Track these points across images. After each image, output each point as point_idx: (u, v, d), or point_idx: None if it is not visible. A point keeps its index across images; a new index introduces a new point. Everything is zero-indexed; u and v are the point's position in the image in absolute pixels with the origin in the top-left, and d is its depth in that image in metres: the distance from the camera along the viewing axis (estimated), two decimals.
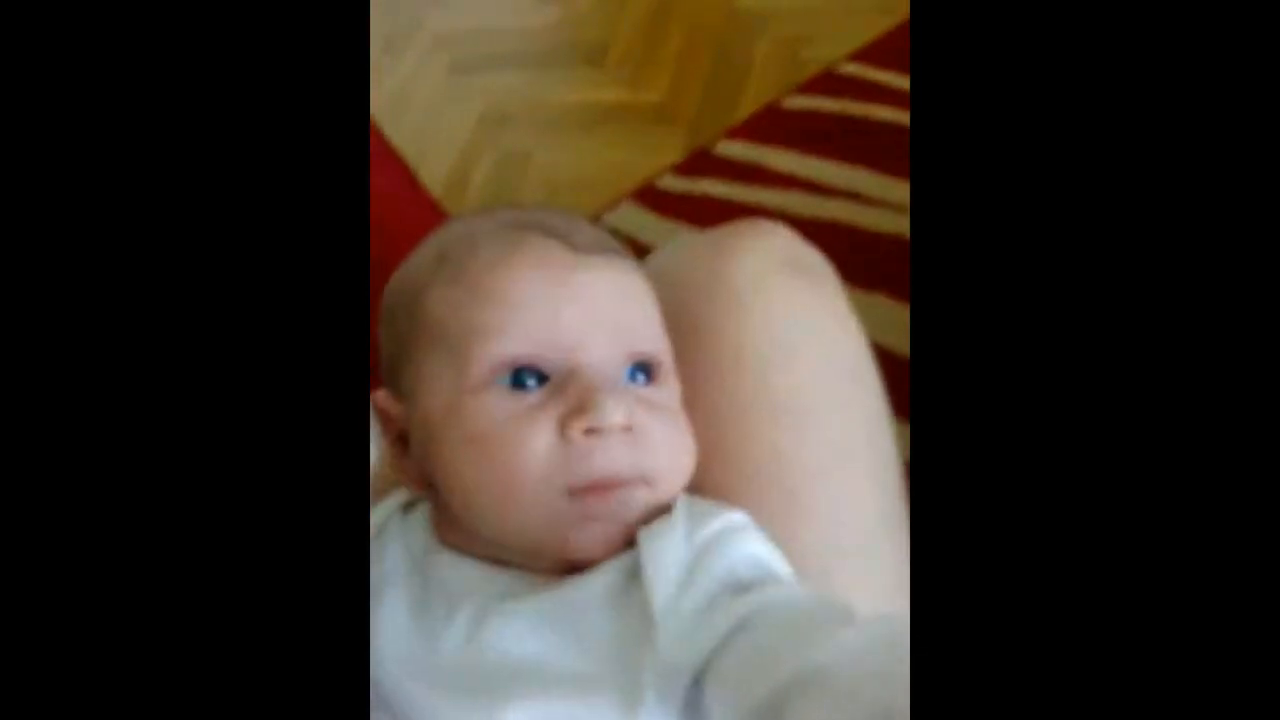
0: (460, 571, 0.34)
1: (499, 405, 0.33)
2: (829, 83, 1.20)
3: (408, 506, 0.38)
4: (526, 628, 0.31)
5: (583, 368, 0.33)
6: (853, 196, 1.03)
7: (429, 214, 1.19)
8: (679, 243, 0.44)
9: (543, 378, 0.33)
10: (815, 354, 0.40)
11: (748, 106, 1.22)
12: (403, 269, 0.39)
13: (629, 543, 0.33)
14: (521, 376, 0.33)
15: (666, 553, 0.31)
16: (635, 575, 0.31)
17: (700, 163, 1.16)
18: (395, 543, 0.37)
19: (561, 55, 1.45)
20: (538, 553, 0.33)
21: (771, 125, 1.17)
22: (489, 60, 1.47)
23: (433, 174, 1.28)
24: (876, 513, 0.39)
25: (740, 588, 0.31)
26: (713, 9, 1.40)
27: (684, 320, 0.38)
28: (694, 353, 0.38)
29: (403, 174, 1.27)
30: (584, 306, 0.34)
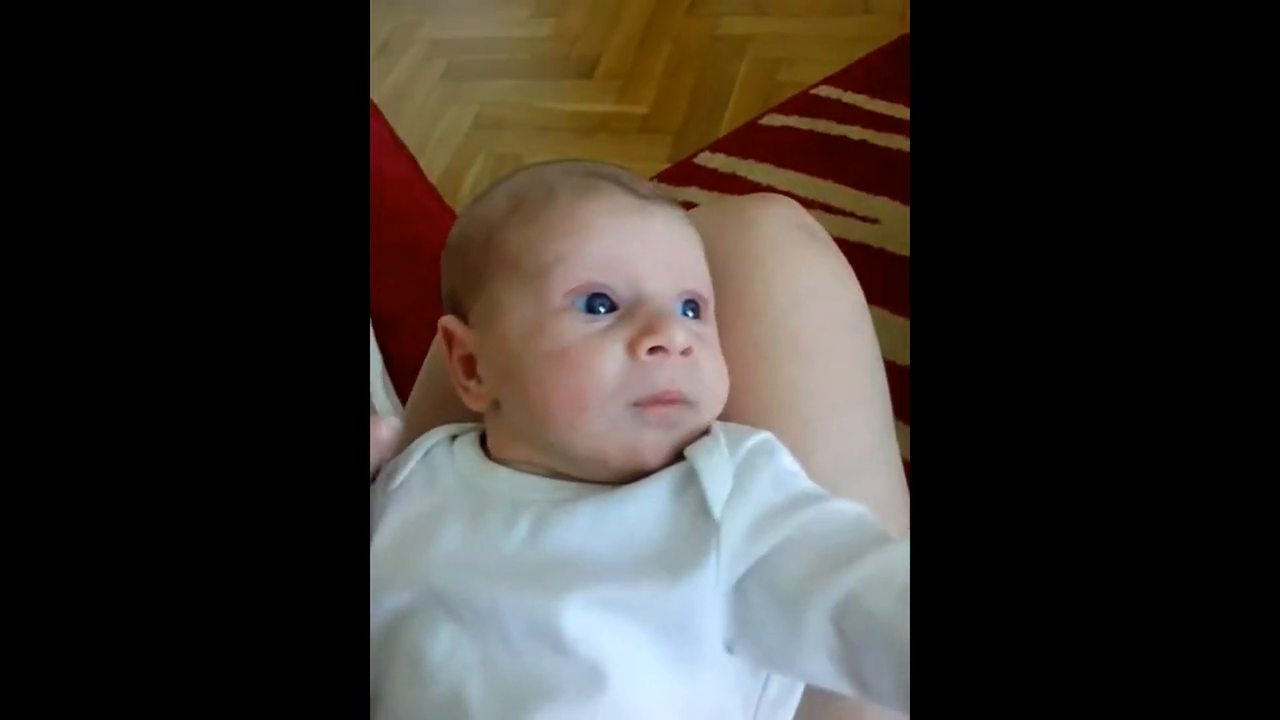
0: (520, 483, 0.38)
1: (575, 327, 0.37)
2: (804, 104, 1.28)
3: (454, 439, 0.42)
4: (587, 524, 0.35)
5: (647, 297, 0.37)
6: (823, 207, 1.11)
7: (434, 200, 1.25)
8: (704, 208, 0.49)
9: (612, 306, 0.38)
10: (824, 304, 0.46)
11: (729, 123, 1.30)
12: (471, 211, 0.43)
13: (675, 458, 0.37)
14: (594, 303, 0.37)
15: (716, 462, 0.36)
16: (688, 482, 0.35)
17: (684, 172, 1.23)
18: (445, 469, 0.40)
19: (554, 67, 1.51)
20: (600, 459, 0.37)
21: (750, 140, 1.25)
22: (484, 68, 1.53)
23: (429, 171, 1.33)
24: (875, 438, 0.45)
25: (791, 499, 0.35)
26: (698, 31, 1.48)
27: (713, 272, 0.43)
28: (723, 303, 0.43)
29: (411, 163, 1.32)
30: (647, 244, 0.39)
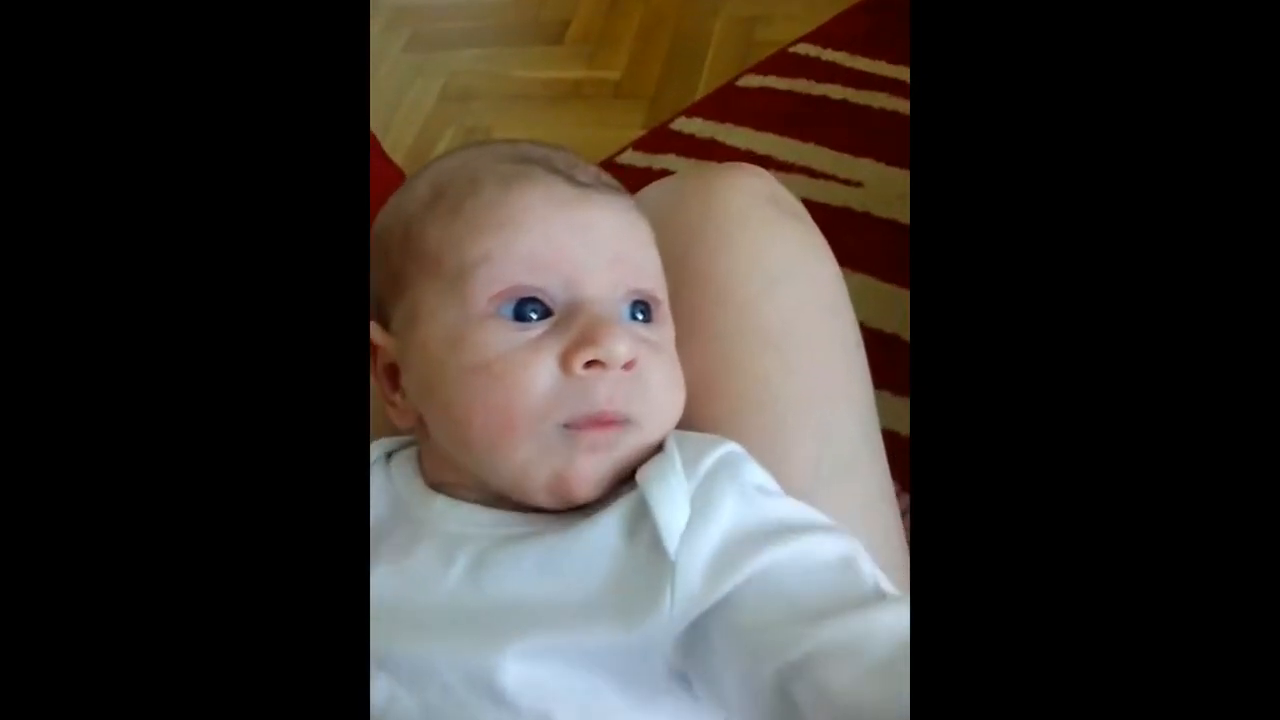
0: (457, 514, 0.34)
1: (501, 337, 0.32)
2: (782, 63, 1.24)
3: (390, 456, 0.38)
4: (532, 566, 0.31)
5: (586, 301, 0.33)
6: (805, 171, 1.07)
7: (398, 176, 1.21)
8: (664, 182, 0.45)
9: (545, 312, 0.33)
10: (798, 287, 0.41)
11: (705, 85, 1.26)
12: (392, 204, 0.38)
13: (620, 481, 0.33)
14: (524, 308, 0.33)
15: (671, 488, 0.31)
16: (641, 514, 0.31)
17: (660, 139, 1.19)
18: (381, 492, 0.36)
19: (522, 33, 1.45)
20: (529, 487, 0.33)
21: (727, 103, 1.21)
22: (450, 37, 1.47)
23: (395, 148, 1.29)
24: (857, 435, 0.40)
25: (760, 528, 0.31)
26: None
27: (673, 254, 0.38)
28: (683, 285, 0.39)
29: (374, 144, 1.28)
30: (586, 239, 0.34)
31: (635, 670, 0.30)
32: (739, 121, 1.17)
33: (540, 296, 0.33)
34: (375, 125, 1.32)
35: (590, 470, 0.33)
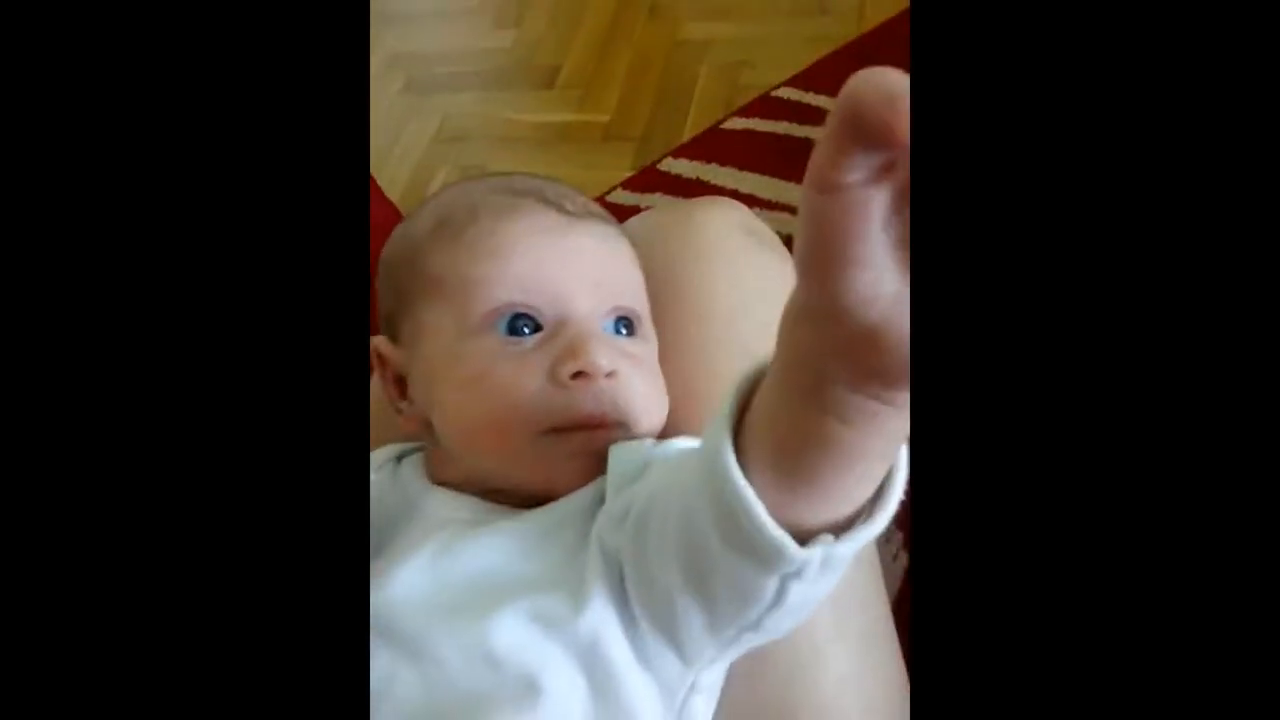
0: (448, 505, 0.38)
1: (495, 349, 0.36)
2: (766, 106, 1.28)
3: (400, 458, 0.42)
4: (497, 546, 0.35)
5: (572, 318, 0.37)
6: (787, 209, 1.11)
7: (393, 213, 1.24)
8: (647, 214, 0.49)
9: (535, 328, 0.37)
10: (772, 304, 0.43)
11: (691, 127, 1.30)
12: (401, 231, 0.42)
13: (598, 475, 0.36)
14: (517, 324, 0.36)
15: (623, 461, 0.35)
16: (602, 497, 0.35)
17: (648, 179, 1.23)
18: (390, 491, 0.39)
19: (515, 77, 1.50)
20: (521, 485, 0.36)
21: (713, 145, 1.25)
22: (444, 81, 1.52)
23: (391, 185, 1.32)
24: None
25: (650, 460, 0.34)
26: (658, 37, 1.48)
27: (658, 278, 0.42)
28: (668, 306, 0.42)
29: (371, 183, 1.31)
30: (573, 262, 0.38)
31: (595, 651, 0.32)
32: (724, 162, 1.21)
33: (531, 313, 0.37)
34: (372, 163, 1.37)
35: (574, 471, 0.36)
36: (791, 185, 1.15)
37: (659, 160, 1.25)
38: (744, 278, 0.45)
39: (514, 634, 0.32)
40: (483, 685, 0.32)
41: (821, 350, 0.21)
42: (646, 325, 0.41)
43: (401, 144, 1.40)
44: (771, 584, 0.25)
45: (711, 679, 0.34)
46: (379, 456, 0.41)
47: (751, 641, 0.31)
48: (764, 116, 1.26)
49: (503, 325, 0.37)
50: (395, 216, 1.25)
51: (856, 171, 0.18)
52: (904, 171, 0.18)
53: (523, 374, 0.36)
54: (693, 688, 0.33)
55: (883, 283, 0.19)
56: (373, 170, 1.35)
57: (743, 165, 1.19)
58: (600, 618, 0.32)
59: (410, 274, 0.40)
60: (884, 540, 0.89)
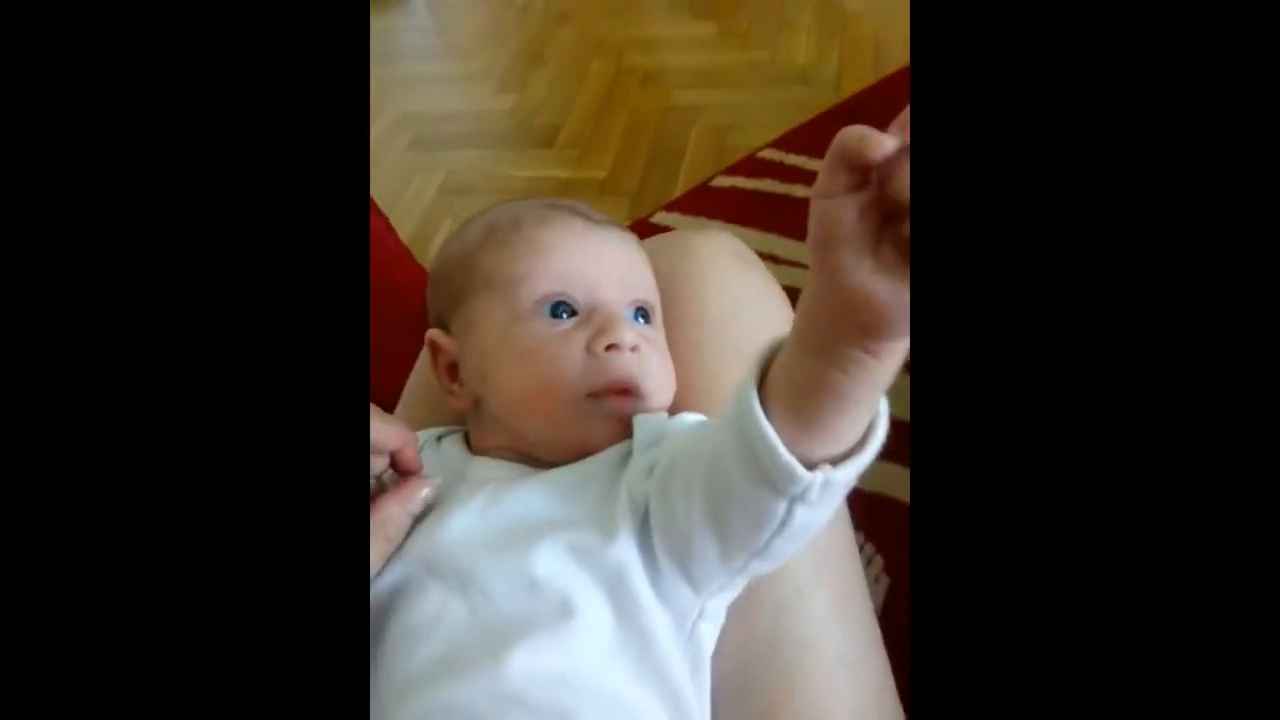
0: (491, 467, 0.44)
1: (542, 330, 0.43)
2: (751, 166, 1.38)
3: (440, 439, 0.48)
4: (536, 494, 0.41)
5: (602, 305, 0.44)
6: (770, 258, 1.18)
7: (406, 251, 1.31)
8: (651, 240, 0.56)
9: (572, 313, 0.44)
10: (759, 313, 0.52)
11: (682, 184, 1.39)
12: (450, 246, 0.50)
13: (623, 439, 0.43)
14: (558, 309, 0.43)
15: (646, 428, 0.41)
16: (628, 451, 0.41)
17: (641, 231, 1.25)
18: (434, 461, 0.45)
19: (517, 137, 1.60)
20: (562, 443, 0.42)
21: (702, 200, 1.34)
22: (450, 139, 1.61)
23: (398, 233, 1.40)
24: None
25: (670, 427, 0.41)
26: (652, 102, 1.58)
27: (660, 290, 0.49)
28: (668, 313, 0.49)
29: (382, 218, 1.38)
30: (601, 260, 0.45)
31: (621, 580, 0.38)
32: (712, 215, 1.30)
33: (569, 301, 0.44)
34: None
35: (607, 430, 0.43)
36: (775, 237, 1.23)
37: (652, 214, 1.33)
38: (733, 290, 0.52)
39: (553, 563, 0.37)
40: (524, 608, 0.37)
41: (824, 313, 0.28)
42: (658, 317, 0.47)
43: (408, 196, 1.48)
44: (781, 507, 0.31)
45: (716, 608, 0.40)
46: (421, 437, 0.47)
47: (756, 569, 0.37)
48: (749, 175, 1.36)
49: (546, 310, 0.43)
50: (406, 255, 1.33)
51: (842, 184, 0.26)
52: (874, 187, 0.26)
53: (566, 348, 0.42)
54: (700, 614, 0.39)
55: (862, 260, 0.26)
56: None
57: (730, 219, 1.28)
58: (625, 551, 0.37)
59: (463, 276, 0.46)
60: (865, 562, 0.94)
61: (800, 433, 0.29)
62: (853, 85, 1.51)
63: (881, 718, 0.43)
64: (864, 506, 0.99)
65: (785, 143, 1.40)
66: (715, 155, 1.43)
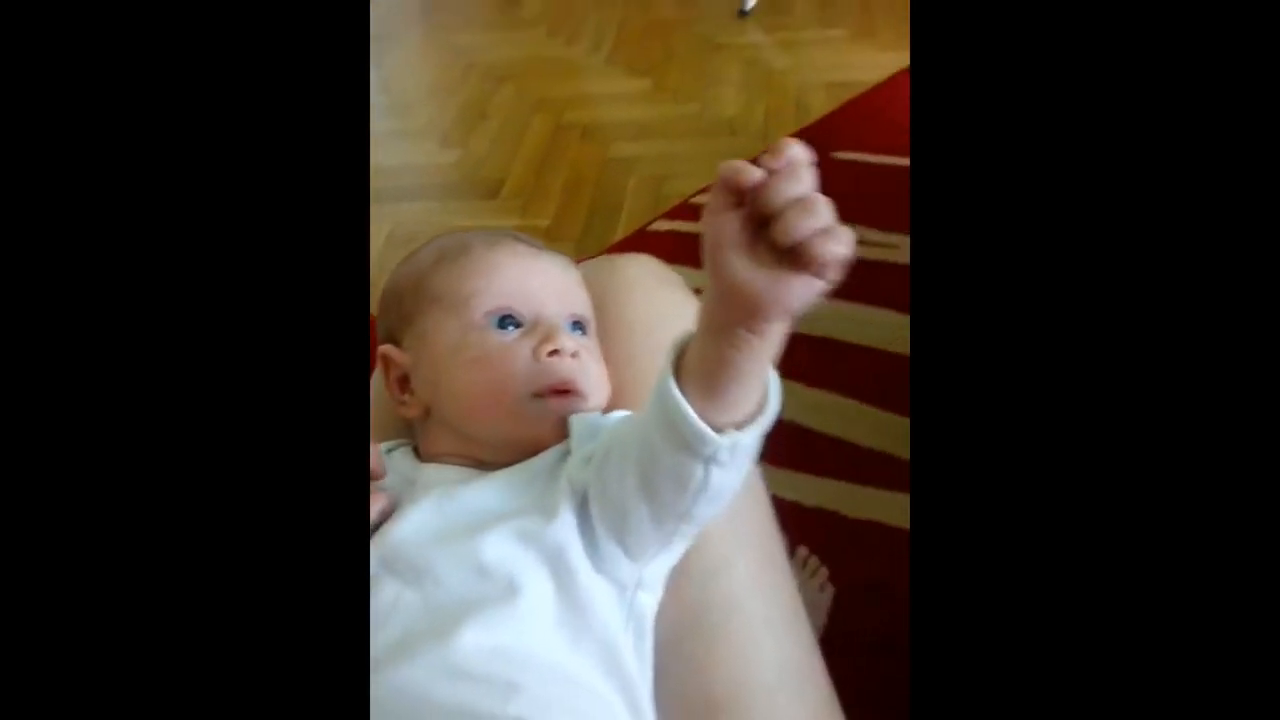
0: (442, 472, 0.48)
1: (491, 339, 0.48)
2: (686, 211, 1.46)
3: (389, 451, 0.52)
4: (484, 491, 0.45)
5: (544, 317, 0.49)
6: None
7: None
8: (583, 265, 0.62)
9: (517, 325, 0.49)
10: (679, 321, 0.55)
11: (622, 230, 1.46)
12: (403, 267, 0.55)
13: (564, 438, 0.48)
14: (505, 321, 0.49)
15: (582, 425, 0.47)
16: (567, 450, 0.46)
17: None
18: (389, 475, 0.49)
19: (462, 189, 1.65)
20: (508, 441, 0.47)
21: (642, 244, 1.40)
22: (396, 192, 1.65)
23: None
24: None
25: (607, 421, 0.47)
26: (591, 155, 1.66)
27: (594, 310, 0.54)
28: (601, 329, 0.55)
29: None
30: (542, 279, 0.51)
31: (562, 557, 0.42)
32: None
33: (515, 315, 0.50)
34: None
35: (550, 428, 0.48)
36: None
37: (595, 257, 1.39)
38: (656, 304, 0.59)
39: (500, 548, 0.42)
40: (473, 591, 0.41)
41: (718, 303, 0.34)
42: (593, 330, 0.54)
43: None
44: (699, 469, 0.37)
45: (653, 577, 0.45)
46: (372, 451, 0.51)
47: (684, 534, 0.42)
48: (685, 219, 1.44)
49: (494, 322, 0.49)
50: None
51: (724, 204, 0.33)
52: (749, 204, 0.32)
53: (513, 354, 0.48)
54: (639, 584, 0.44)
55: (743, 259, 0.33)
56: None
57: (669, 260, 1.34)
58: (565, 530, 0.43)
59: (415, 295, 0.51)
60: (809, 575, 0.99)
61: (708, 403, 0.36)
62: (778, 134, 1.62)
63: (806, 677, 0.48)
64: (809, 521, 1.05)
65: None
66: (653, 202, 1.51)
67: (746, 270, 0.32)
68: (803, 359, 1.20)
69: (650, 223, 1.45)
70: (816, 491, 1.07)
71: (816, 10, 2.04)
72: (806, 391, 1.18)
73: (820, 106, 1.70)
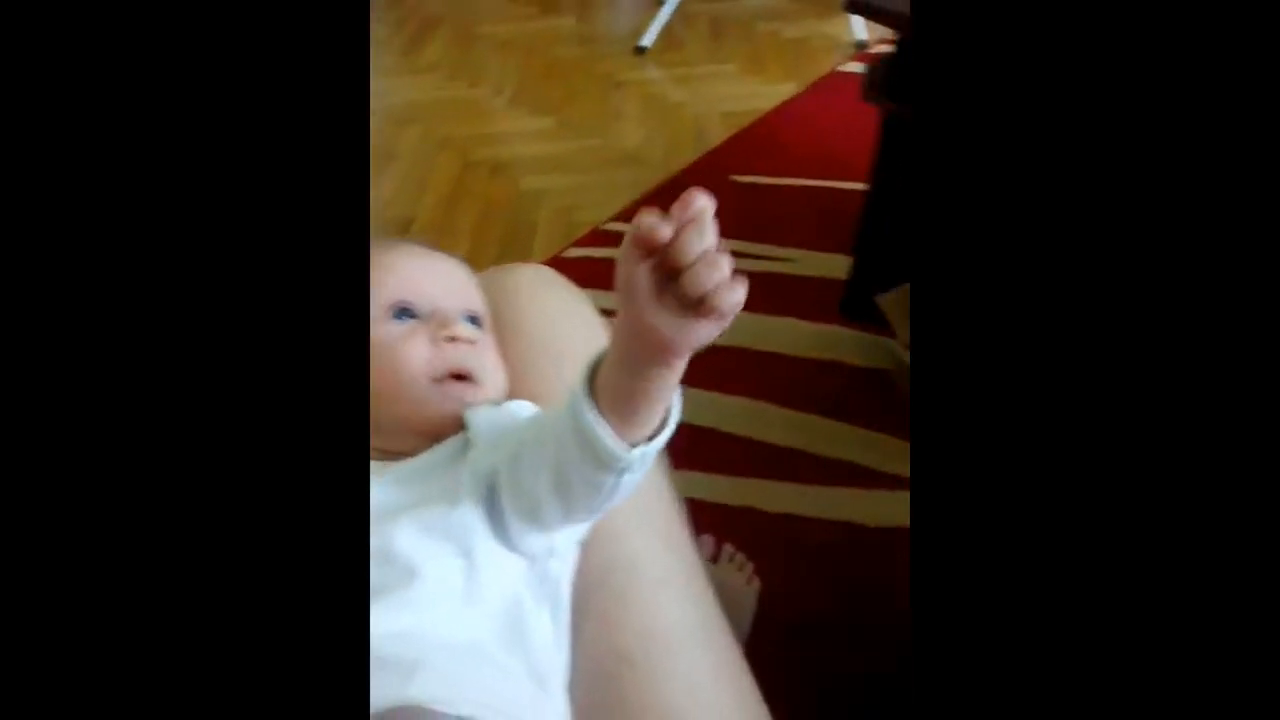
0: None
1: (390, 329, 0.51)
2: (597, 238, 1.51)
3: None
4: (387, 487, 0.47)
5: (440, 309, 0.52)
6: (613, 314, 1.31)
7: None
8: (479, 274, 0.66)
9: (414, 316, 0.52)
10: (570, 321, 0.63)
11: (536, 258, 1.50)
12: None
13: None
14: (402, 314, 0.52)
15: (477, 418, 0.50)
16: (466, 445, 0.48)
17: None
18: None
19: (372, 228, 1.66)
20: (410, 426, 0.49)
21: (557, 270, 1.46)
22: None
23: None
24: None
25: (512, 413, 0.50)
26: (501, 189, 1.69)
27: (491, 309, 0.58)
28: (497, 333, 0.58)
29: None
30: (437, 276, 0.55)
31: (467, 538, 0.45)
32: None
33: (412, 307, 0.53)
34: None
35: (449, 412, 0.50)
36: None
37: None
38: (547, 306, 0.63)
39: (406, 537, 0.44)
40: (379, 580, 0.43)
41: (630, 341, 0.37)
42: (488, 326, 0.56)
43: None
44: (612, 479, 0.40)
45: (566, 545, 0.48)
46: None
47: (594, 517, 0.46)
48: (597, 245, 1.49)
49: (393, 315, 0.52)
50: None
51: (637, 255, 0.36)
52: (659, 256, 0.35)
53: (412, 341, 0.51)
54: (551, 552, 0.47)
55: (651, 305, 0.36)
56: None
57: (584, 285, 1.40)
58: (469, 513, 0.45)
59: None
60: (737, 569, 1.03)
61: (622, 423, 0.40)
62: (679, 163, 1.70)
63: (709, 631, 0.51)
64: (733, 520, 1.10)
65: (625, 216, 1.55)
66: (564, 231, 1.56)
67: (657, 316, 0.36)
68: (716, 368, 1.27)
69: (563, 249, 1.50)
70: (737, 492, 1.13)
71: (708, 46, 2.15)
72: (722, 399, 1.24)
73: (717, 135, 1.79)
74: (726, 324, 0.36)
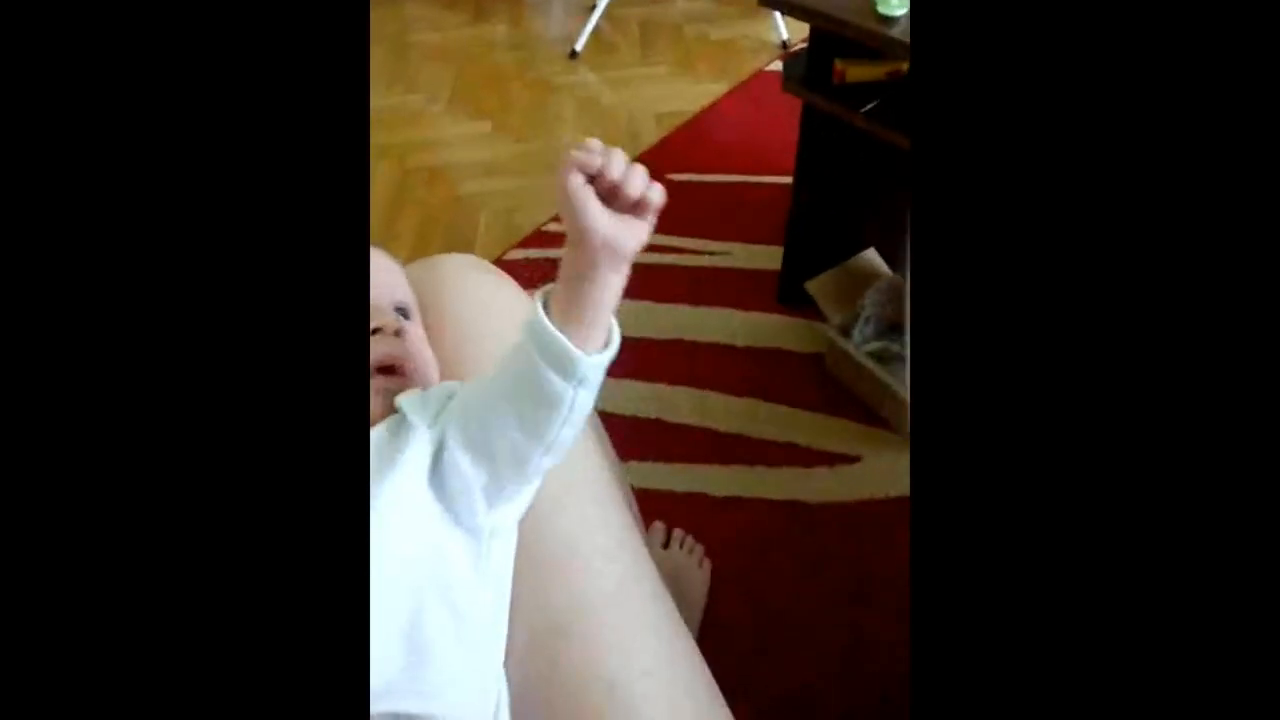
0: None
1: None
2: (538, 239, 1.55)
3: None
4: None
5: (370, 301, 0.54)
6: None
7: None
8: (409, 266, 0.68)
9: None
10: (498, 303, 0.65)
11: None
12: None
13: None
14: None
15: (414, 397, 0.51)
16: (400, 422, 0.50)
17: None
18: None
19: None
20: None
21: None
22: None
23: None
24: None
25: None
26: (439, 196, 1.71)
27: (421, 308, 0.60)
28: (428, 322, 0.60)
29: None
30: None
31: (410, 506, 0.48)
32: None
33: None
34: None
35: (381, 405, 0.52)
36: None
37: None
38: (476, 292, 0.66)
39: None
40: None
41: (576, 248, 0.43)
42: (417, 317, 0.59)
43: None
44: (570, 391, 0.44)
45: (506, 525, 0.51)
46: None
47: (538, 471, 0.48)
48: (538, 246, 1.53)
49: None
50: None
51: (578, 180, 0.42)
52: (600, 180, 0.42)
53: None
54: (493, 532, 0.49)
55: (602, 213, 0.43)
56: None
57: (525, 285, 1.43)
58: (418, 491, 0.47)
59: None
60: (687, 553, 1.07)
61: (575, 332, 0.44)
62: None
63: (635, 595, 0.54)
64: (681, 505, 1.14)
65: None
66: (505, 234, 1.59)
67: (604, 220, 0.43)
68: (659, 361, 1.31)
69: (505, 251, 1.53)
70: (684, 479, 1.17)
71: (639, 50, 2.20)
72: (667, 390, 1.28)
73: (651, 135, 1.84)
74: (653, 226, 0.44)
